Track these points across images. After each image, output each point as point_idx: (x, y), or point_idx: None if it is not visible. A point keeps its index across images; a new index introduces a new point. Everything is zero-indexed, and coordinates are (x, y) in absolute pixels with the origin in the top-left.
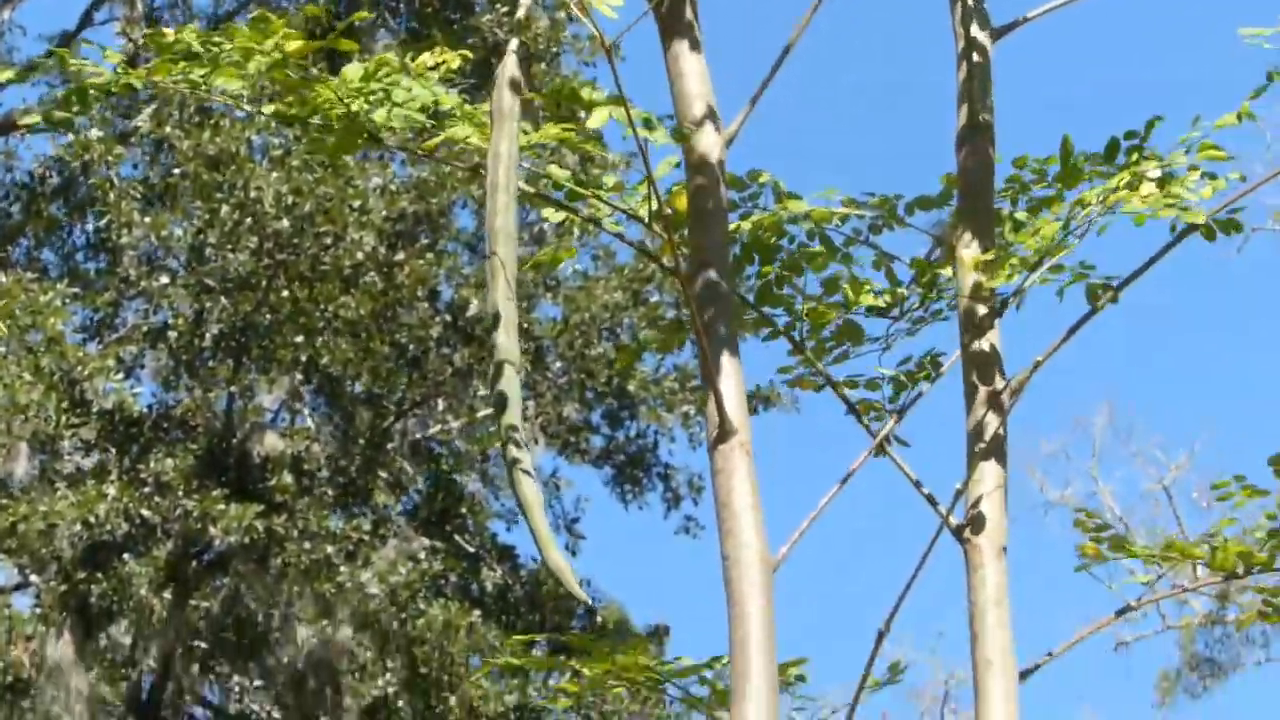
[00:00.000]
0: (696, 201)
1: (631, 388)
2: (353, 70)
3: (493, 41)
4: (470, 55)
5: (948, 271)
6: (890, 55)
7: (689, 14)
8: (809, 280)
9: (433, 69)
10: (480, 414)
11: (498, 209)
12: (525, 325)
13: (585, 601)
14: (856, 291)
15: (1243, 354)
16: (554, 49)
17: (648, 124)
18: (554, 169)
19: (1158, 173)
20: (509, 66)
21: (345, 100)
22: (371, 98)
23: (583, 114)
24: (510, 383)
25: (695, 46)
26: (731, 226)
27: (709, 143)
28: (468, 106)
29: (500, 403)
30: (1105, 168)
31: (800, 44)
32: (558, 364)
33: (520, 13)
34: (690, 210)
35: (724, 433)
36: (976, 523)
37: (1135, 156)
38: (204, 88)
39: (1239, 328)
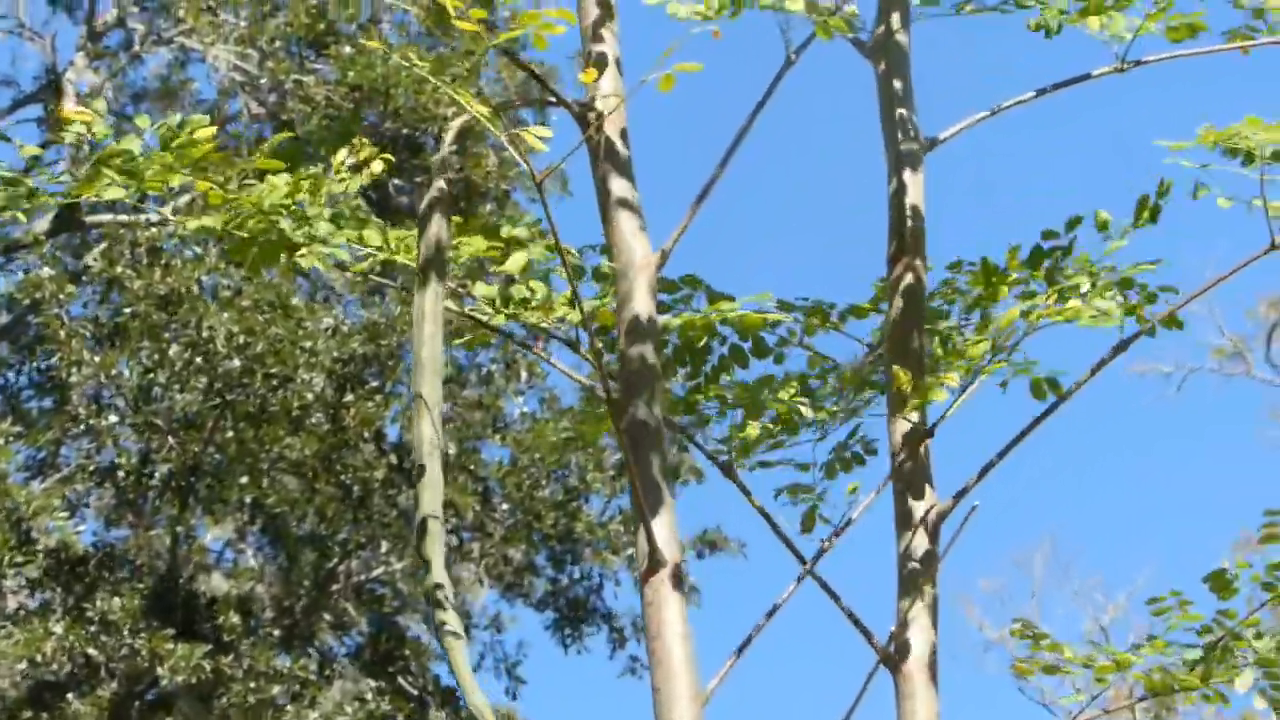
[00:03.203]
0: (628, 327)
1: (578, 529)
2: (277, 184)
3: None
4: (392, 160)
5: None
6: (827, 160)
7: (619, 143)
8: (739, 379)
9: (354, 169)
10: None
11: (424, 338)
12: (472, 467)
13: None
14: (787, 388)
15: (1185, 492)
16: (503, 186)
17: (578, 271)
18: (479, 285)
19: (1086, 286)
20: (435, 189)
21: (270, 215)
22: (298, 233)
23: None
24: (434, 542)
25: (625, 171)
26: (661, 321)
27: (639, 267)
28: (393, 232)
29: (425, 560)
30: (1031, 277)
31: (735, 157)
32: (505, 505)
33: (443, 151)
34: (622, 336)
35: (654, 564)
36: (905, 651)
37: (1056, 260)
38: (132, 192)
39: (1181, 465)
